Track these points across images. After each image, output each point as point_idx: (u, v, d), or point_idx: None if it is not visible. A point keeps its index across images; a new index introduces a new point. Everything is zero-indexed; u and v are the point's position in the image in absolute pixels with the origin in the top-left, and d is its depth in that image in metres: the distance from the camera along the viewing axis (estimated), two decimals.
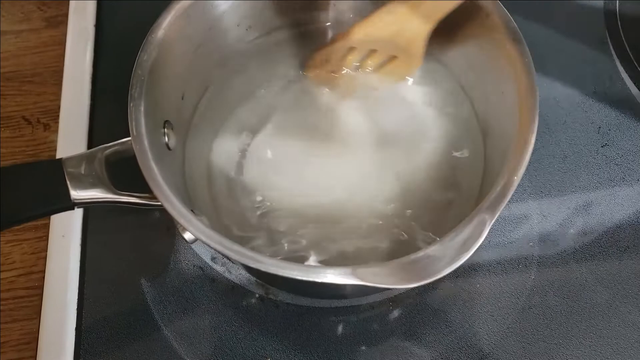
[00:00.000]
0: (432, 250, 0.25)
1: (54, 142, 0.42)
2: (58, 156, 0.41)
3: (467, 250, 0.25)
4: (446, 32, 0.35)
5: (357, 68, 0.37)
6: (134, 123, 0.28)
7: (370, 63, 0.37)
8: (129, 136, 0.41)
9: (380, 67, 0.37)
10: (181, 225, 0.27)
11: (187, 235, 0.28)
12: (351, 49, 0.36)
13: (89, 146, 0.42)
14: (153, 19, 0.47)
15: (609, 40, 0.45)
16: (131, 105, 0.28)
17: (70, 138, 0.42)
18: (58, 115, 0.43)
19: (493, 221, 0.26)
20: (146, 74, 0.29)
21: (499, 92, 0.32)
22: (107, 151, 0.28)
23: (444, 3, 0.31)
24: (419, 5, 0.32)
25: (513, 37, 0.30)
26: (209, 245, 0.26)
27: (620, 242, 0.38)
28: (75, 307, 0.36)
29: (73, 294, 0.37)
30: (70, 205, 0.26)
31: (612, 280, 0.36)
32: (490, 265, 0.37)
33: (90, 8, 0.48)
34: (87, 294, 0.37)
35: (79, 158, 0.28)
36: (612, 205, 0.39)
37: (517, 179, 0.26)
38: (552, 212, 0.39)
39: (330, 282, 0.24)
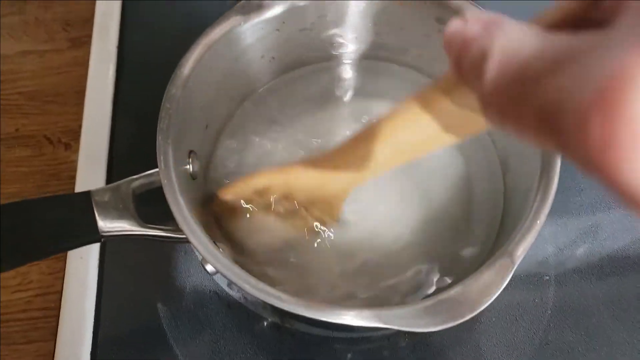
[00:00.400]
0: (455, 293, 0.26)
1: (75, 161, 0.43)
2: (78, 176, 0.42)
3: (490, 294, 0.25)
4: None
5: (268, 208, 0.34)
6: (162, 156, 0.28)
7: (285, 207, 0.33)
8: (149, 159, 0.42)
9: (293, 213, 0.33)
10: (204, 258, 0.28)
11: (209, 268, 0.29)
12: (266, 190, 0.33)
13: (109, 166, 0.42)
14: (174, 43, 0.48)
15: None
16: (159, 138, 0.29)
17: (91, 158, 0.43)
18: (79, 135, 0.44)
19: (516, 266, 0.26)
20: (174, 107, 0.30)
21: None
22: (134, 183, 0.29)
23: (373, 171, 0.27)
24: (347, 166, 0.28)
25: None
26: (233, 282, 0.26)
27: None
28: (92, 329, 0.37)
29: (89, 315, 0.37)
30: (98, 238, 0.27)
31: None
32: (505, 296, 0.37)
33: (113, 30, 0.48)
34: (103, 316, 0.37)
35: (106, 190, 0.28)
36: (628, 238, 0.39)
37: (539, 223, 0.27)
38: (567, 245, 0.39)
39: (354, 324, 0.24)
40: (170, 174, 0.28)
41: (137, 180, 0.29)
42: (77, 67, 0.48)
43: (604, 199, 0.40)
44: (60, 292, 0.38)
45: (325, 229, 0.34)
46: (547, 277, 0.37)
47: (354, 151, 0.27)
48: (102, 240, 0.27)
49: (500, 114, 0.15)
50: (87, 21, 0.50)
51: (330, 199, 0.31)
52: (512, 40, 0.14)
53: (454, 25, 0.16)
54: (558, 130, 0.12)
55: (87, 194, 0.27)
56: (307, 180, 0.30)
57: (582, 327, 0.36)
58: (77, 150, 0.43)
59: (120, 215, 0.27)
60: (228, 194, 0.33)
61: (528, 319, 0.36)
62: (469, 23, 0.16)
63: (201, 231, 0.27)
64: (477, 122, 0.20)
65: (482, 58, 0.15)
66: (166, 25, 0.50)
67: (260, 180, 0.32)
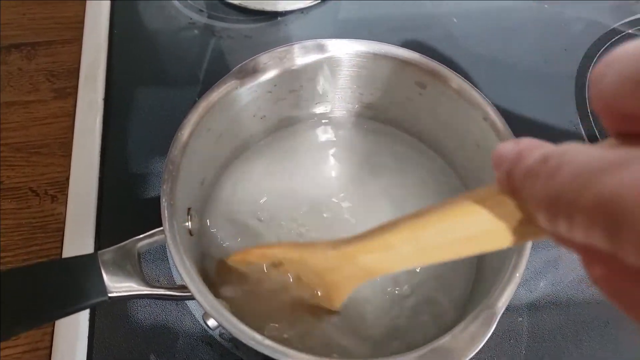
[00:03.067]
0: (445, 342, 0.28)
1: (62, 214, 0.43)
2: (67, 228, 0.42)
3: (477, 343, 0.27)
4: (446, 131, 0.39)
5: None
6: (166, 218, 0.29)
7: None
8: (139, 210, 0.43)
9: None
10: (208, 315, 0.29)
11: (211, 322, 0.30)
12: (276, 265, 0.32)
13: (98, 219, 0.43)
14: (163, 94, 0.50)
15: (581, 127, 0.50)
16: (163, 200, 0.30)
17: (79, 210, 0.43)
18: (65, 187, 0.44)
19: (499, 316, 0.28)
20: (176, 169, 0.31)
21: None
22: (140, 243, 0.30)
23: (389, 267, 0.26)
24: (366, 256, 0.26)
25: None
26: (239, 339, 0.27)
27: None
28: None
29: None
30: (106, 300, 0.27)
31: None
32: None
33: (100, 81, 0.50)
34: None
35: (113, 251, 0.29)
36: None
37: (519, 275, 0.29)
38: (537, 288, 0.42)
39: None
40: (174, 234, 0.29)
41: (142, 240, 0.30)
42: (63, 118, 0.49)
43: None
44: (50, 348, 0.38)
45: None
46: (521, 319, 0.40)
47: (377, 242, 0.26)
48: (110, 301, 0.28)
49: (552, 213, 0.15)
50: (72, 72, 0.51)
51: (338, 285, 0.30)
52: (569, 148, 0.15)
53: (505, 143, 0.18)
54: (614, 221, 0.13)
55: (94, 256, 0.28)
56: (322, 261, 0.29)
57: None
58: (63, 203, 0.44)
59: (128, 275, 0.28)
60: (237, 260, 0.33)
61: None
62: (522, 140, 0.18)
63: (206, 289, 0.28)
64: (507, 235, 0.20)
65: (540, 162, 0.16)
66: (153, 76, 0.51)
67: (276, 251, 0.31)
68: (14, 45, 0.52)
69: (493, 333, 0.39)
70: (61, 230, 0.42)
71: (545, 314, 0.41)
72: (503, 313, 0.40)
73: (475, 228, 0.21)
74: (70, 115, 0.48)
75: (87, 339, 0.38)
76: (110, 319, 0.39)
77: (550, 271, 0.42)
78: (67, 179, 0.45)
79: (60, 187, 0.45)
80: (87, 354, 0.38)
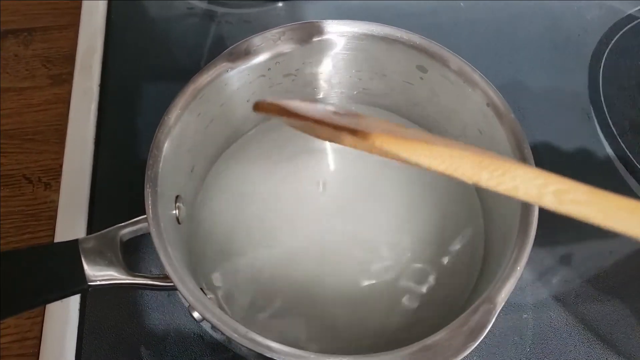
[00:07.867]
0: (441, 338, 0.26)
1: (55, 202, 0.42)
2: (59, 217, 0.42)
3: (475, 339, 0.26)
4: (448, 117, 0.37)
5: None
6: (150, 205, 0.28)
7: None
8: (132, 198, 0.41)
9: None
10: (191, 306, 0.28)
11: (196, 315, 0.29)
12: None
13: (91, 206, 0.42)
14: (159, 81, 0.49)
15: (594, 115, 0.48)
16: (147, 186, 0.29)
17: (72, 198, 0.42)
18: (59, 175, 0.43)
19: (499, 309, 0.27)
20: (162, 154, 0.30)
21: None
22: (123, 231, 0.29)
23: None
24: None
25: (513, 129, 0.31)
26: (222, 331, 0.26)
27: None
28: None
29: None
30: (85, 288, 0.26)
31: None
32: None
33: (96, 68, 0.49)
34: None
35: (94, 238, 0.28)
36: (600, 268, 0.41)
37: (520, 269, 0.28)
38: (543, 282, 0.40)
39: None
40: (158, 223, 0.28)
41: (125, 228, 0.29)
42: (58, 105, 0.48)
43: (578, 237, 0.42)
44: (39, 338, 0.37)
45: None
46: (526, 316, 0.39)
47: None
48: (89, 290, 0.27)
49: None
50: (68, 58, 0.50)
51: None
52: None
53: None
54: None
55: (74, 243, 0.27)
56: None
57: None
58: (57, 190, 0.43)
59: (109, 264, 0.27)
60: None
61: (508, 356, 0.37)
62: None
63: (189, 279, 0.27)
64: None
65: None
66: (151, 63, 0.50)
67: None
68: (10, 31, 0.51)
69: (496, 330, 0.38)
70: (54, 218, 0.42)
71: (551, 311, 0.39)
72: (507, 309, 0.39)
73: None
74: (66, 102, 0.47)
75: (77, 329, 0.37)
76: (101, 309, 0.38)
77: (559, 268, 0.41)
78: (61, 166, 0.44)
79: (54, 175, 0.44)
80: (76, 344, 0.37)
